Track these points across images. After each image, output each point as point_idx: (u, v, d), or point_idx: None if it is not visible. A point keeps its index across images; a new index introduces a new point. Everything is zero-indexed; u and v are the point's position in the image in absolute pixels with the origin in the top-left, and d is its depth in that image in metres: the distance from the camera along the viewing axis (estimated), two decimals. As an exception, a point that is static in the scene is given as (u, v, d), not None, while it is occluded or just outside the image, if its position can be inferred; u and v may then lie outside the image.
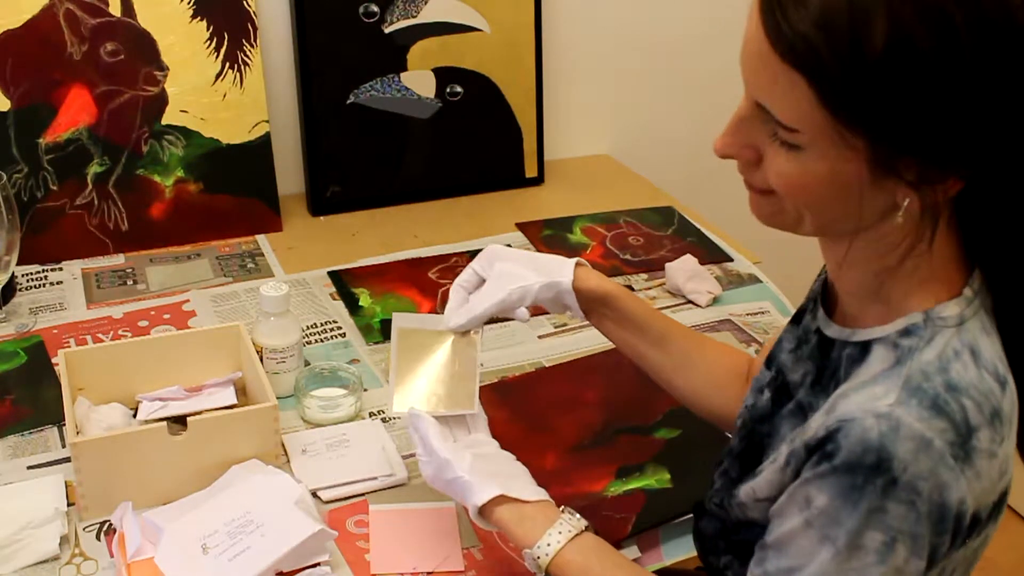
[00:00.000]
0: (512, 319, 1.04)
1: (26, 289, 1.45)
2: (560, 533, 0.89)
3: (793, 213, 0.77)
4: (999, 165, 0.70)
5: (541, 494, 0.93)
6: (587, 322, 1.06)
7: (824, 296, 0.88)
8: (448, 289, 1.47)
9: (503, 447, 1.15)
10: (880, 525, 0.70)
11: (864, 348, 0.77)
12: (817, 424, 0.74)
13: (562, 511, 0.91)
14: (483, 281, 1.05)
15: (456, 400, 1.01)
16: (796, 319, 0.92)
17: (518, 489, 0.92)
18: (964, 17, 0.63)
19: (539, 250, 1.61)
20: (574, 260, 1.04)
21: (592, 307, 1.04)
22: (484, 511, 0.92)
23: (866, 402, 0.71)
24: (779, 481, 0.79)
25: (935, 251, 0.74)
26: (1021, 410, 0.77)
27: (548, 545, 0.88)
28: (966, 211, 0.75)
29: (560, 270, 1.03)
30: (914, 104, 0.65)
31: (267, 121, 1.61)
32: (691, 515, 1.05)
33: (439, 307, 1.44)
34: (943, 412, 0.70)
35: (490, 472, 0.93)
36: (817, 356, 0.84)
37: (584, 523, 0.90)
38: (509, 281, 1.02)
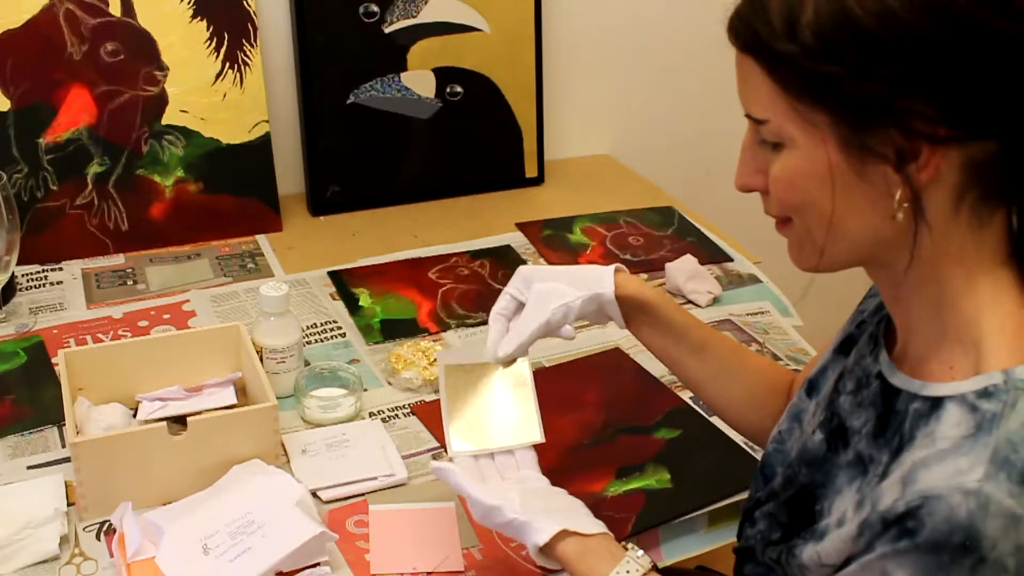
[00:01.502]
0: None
1: (26, 289, 1.45)
2: (628, 573, 0.85)
3: (802, 231, 0.76)
4: (972, 123, 0.67)
5: (600, 526, 0.89)
6: (625, 330, 1.03)
7: (886, 331, 0.84)
8: (448, 289, 1.48)
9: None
10: None
11: (935, 404, 0.73)
12: (894, 494, 0.70)
13: (626, 547, 0.88)
14: (521, 305, 1.01)
15: (520, 432, 0.97)
16: (844, 348, 0.89)
17: (578, 523, 0.88)
18: None
19: (539, 250, 1.61)
20: (612, 267, 1.00)
21: (631, 314, 1.01)
22: (546, 549, 0.87)
23: (952, 476, 0.67)
24: (848, 551, 0.75)
25: (1007, 310, 0.71)
26: None
27: None
28: None
29: (600, 281, 0.99)
30: (855, 69, 0.65)
31: (267, 121, 1.61)
32: (691, 515, 1.05)
33: (439, 307, 1.44)
34: None
35: (545, 509, 0.89)
36: (880, 404, 0.79)
37: (650, 561, 0.87)
38: (550, 300, 0.98)
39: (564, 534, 0.87)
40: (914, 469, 0.69)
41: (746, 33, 0.70)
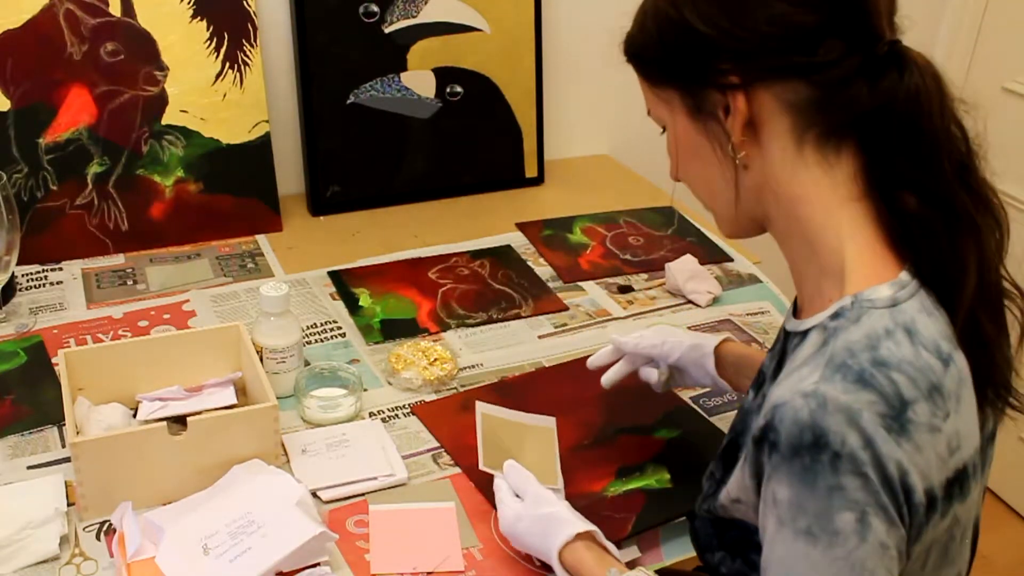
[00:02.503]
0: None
1: (26, 289, 1.45)
2: None
3: (700, 199, 0.91)
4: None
5: (611, 546, 0.96)
6: (713, 385, 1.16)
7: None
8: (448, 289, 1.48)
9: (503, 447, 1.17)
10: (845, 503, 0.71)
11: (804, 335, 0.81)
12: (759, 417, 0.77)
13: (636, 568, 0.92)
14: (616, 360, 1.19)
15: (541, 477, 1.03)
16: None
17: (603, 537, 0.96)
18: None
19: (539, 250, 1.61)
20: (722, 336, 1.16)
21: (727, 372, 1.13)
22: (568, 546, 0.94)
23: (794, 384, 0.74)
24: (741, 479, 0.81)
25: (862, 241, 0.80)
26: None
27: None
28: (889, 197, 0.80)
29: (707, 338, 1.15)
30: (675, 50, 0.84)
31: (267, 121, 1.61)
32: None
33: (439, 307, 1.44)
34: (869, 385, 0.73)
35: (578, 515, 0.97)
36: (780, 350, 0.87)
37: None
38: (668, 333, 1.16)
39: (588, 537, 0.95)
40: (771, 390, 0.78)
41: (626, 49, 0.90)
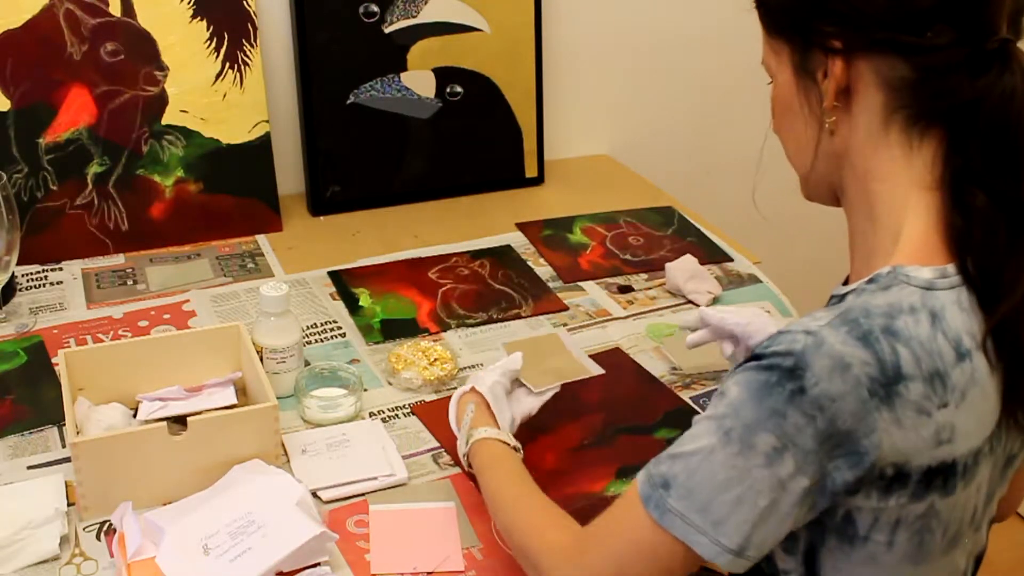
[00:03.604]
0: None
1: (26, 289, 1.45)
2: (490, 434, 1.02)
3: (788, 153, 0.91)
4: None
5: (509, 438, 1.04)
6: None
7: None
8: (448, 289, 1.48)
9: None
10: (776, 429, 0.73)
11: (842, 299, 0.82)
12: None
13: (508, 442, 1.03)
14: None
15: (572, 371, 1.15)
16: None
17: (498, 412, 1.06)
18: None
19: (539, 250, 1.61)
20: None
21: None
22: (464, 397, 1.08)
23: (804, 322, 0.76)
24: None
25: (922, 227, 0.80)
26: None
27: (486, 432, 1.03)
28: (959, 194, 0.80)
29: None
30: (787, 3, 0.85)
31: (267, 121, 1.61)
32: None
33: (439, 307, 1.44)
34: (870, 346, 0.74)
35: (499, 390, 1.08)
36: None
37: (517, 445, 1.04)
38: (754, 315, 1.18)
39: (481, 400, 1.07)
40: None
41: None
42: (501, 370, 1.11)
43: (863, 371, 0.73)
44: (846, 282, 0.89)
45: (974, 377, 0.77)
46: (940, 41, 0.77)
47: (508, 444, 1.03)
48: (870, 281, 0.79)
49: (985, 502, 0.85)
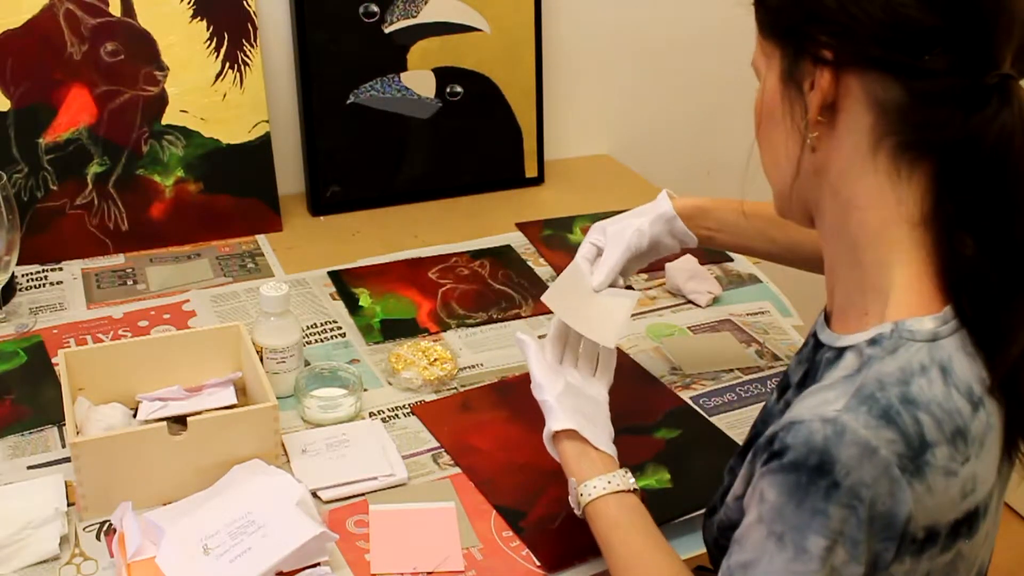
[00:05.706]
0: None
1: (26, 289, 1.45)
2: (609, 483, 0.95)
3: (764, 165, 0.87)
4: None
5: (611, 450, 0.99)
6: (692, 246, 1.18)
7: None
8: (448, 289, 1.48)
9: (503, 447, 1.16)
10: (823, 529, 0.71)
11: (839, 354, 0.79)
12: (775, 425, 0.76)
13: (622, 468, 0.97)
14: (600, 251, 1.14)
15: (598, 331, 1.05)
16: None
17: (592, 434, 0.98)
18: None
19: (539, 250, 1.61)
20: (664, 191, 1.17)
21: (693, 226, 1.16)
22: (555, 438, 0.99)
23: (817, 406, 0.73)
24: (747, 475, 0.81)
25: (914, 268, 0.77)
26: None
27: (595, 487, 0.95)
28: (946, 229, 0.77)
29: (658, 204, 1.16)
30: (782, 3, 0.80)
31: (267, 121, 1.61)
32: (691, 515, 1.05)
33: (439, 307, 1.44)
34: (893, 423, 0.71)
35: (574, 407, 1.00)
36: (809, 358, 0.86)
37: (635, 485, 0.96)
38: (625, 232, 1.13)
39: (573, 434, 0.98)
40: (795, 403, 0.76)
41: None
42: (556, 392, 1.01)
43: (890, 450, 0.71)
44: (826, 316, 0.86)
45: (989, 423, 0.75)
46: (937, 66, 0.72)
47: (619, 490, 0.95)
48: (873, 342, 0.76)
49: (995, 523, 0.84)
